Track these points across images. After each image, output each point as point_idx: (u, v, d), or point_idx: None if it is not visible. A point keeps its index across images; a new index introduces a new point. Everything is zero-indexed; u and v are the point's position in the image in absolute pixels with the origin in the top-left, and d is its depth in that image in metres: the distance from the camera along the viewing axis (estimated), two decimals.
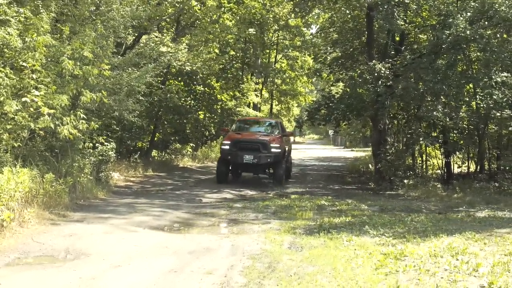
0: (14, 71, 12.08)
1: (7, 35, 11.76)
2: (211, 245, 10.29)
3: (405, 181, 21.09)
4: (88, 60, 13.92)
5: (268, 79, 38.67)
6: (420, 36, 24.05)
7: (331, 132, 70.33)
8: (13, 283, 7.23)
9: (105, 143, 17.67)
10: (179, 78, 30.00)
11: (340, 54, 29.19)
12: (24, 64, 12.05)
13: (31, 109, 11.80)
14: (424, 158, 25.68)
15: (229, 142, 22.83)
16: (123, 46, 21.73)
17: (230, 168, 23.55)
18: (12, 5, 12.37)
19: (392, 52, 23.12)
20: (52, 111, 12.22)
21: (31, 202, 11.46)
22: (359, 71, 23.91)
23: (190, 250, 9.82)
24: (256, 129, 26.29)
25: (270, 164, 22.79)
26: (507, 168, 21.51)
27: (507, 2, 19.45)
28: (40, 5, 13.12)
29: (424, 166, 25.50)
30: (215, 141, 35.42)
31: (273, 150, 22.35)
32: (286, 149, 24.81)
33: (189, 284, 7.68)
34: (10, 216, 9.83)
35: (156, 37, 24.36)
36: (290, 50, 37.66)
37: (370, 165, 28.76)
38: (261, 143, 22.64)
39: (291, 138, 38.87)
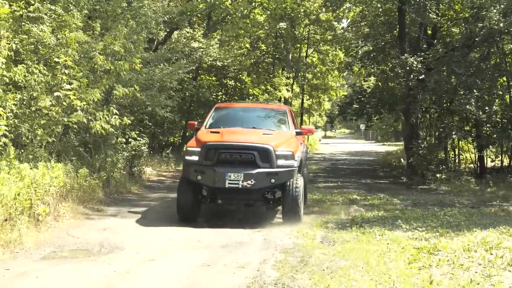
0: (48, 67, 12.28)
1: (41, 32, 11.87)
2: (243, 239, 10.34)
3: (438, 175, 21.00)
4: (120, 56, 14.09)
5: (299, 74, 38.26)
6: (452, 29, 23.76)
7: (362, 126, 70.02)
8: (49, 276, 7.33)
9: (138, 138, 17.78)
10: (211, 73, 29.86)
11: (371, 48, 29.06)
12: (57, 60, 12.23)
13: (64, 103, 11.96)
14: (456, 152, 25.51)
15: (198, 149, 12.61)
16: (155, 42, 21.94)
17: (204, 194, 13.02)
18: (45, 2, 12.43)
19: (424, 46, 22.92)
20: (84, 104, 12.30)
21: (66, 197, 11.67)
22: (390, 65, 23.79)
23: (223, 244, 9.86)
24: (249, 122, 14.66)
25: (274, 186, 12.67)
26: None
27: None
28: (72, 3, 13.16)
29: (456, 160, 25.32)
30: None
31: (281, 162, 12.35)
32: (303, 157, 14.37)
33: (222, 277, 7.65)
34: (45, 211, 9.97)
35: (188, 32, 24.51)
36: (321, 45, 37.29)
37: (402, 160, 28.58)
38: (259, 150, 12.41)
39: (315, 137, 34.82)
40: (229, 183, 11.81)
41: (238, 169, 11.99)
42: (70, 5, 13.30)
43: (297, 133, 14.00)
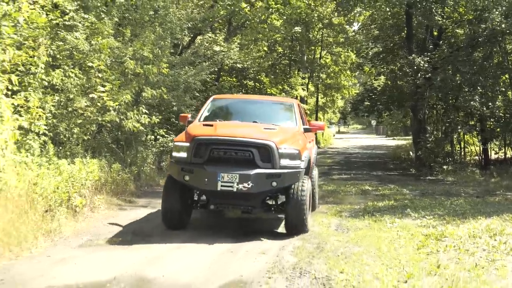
0: (82, 71, 12.55)
1: (76, 39, 11.99)
2: (263, 226, 10.55)
3: (444, 167, 21.05)
4: (148, 60, 14.28)
5: (314, 74, 38.50)
6: (457, 30, 23.72)
7: (373, 122, 69.94)
8: (86, 262, 7.41)
9: (165, 136, 17.93)
10: (232, 75, 29.92)
11: (381, 49, 29.08)
12: (91, 64, 12.55)
13: (98, 104, 12.21)
14: (462, 145, 25.58)
15: (186, 144, 10.03)
16: (180, 46, 21.98)
17: (194, 198, 10.75)
18: (79, 12, 12.56)
19: (431, 46, 22.92)
20: (116, 104, 12.49)
21: (101, 190, 11.81)
22: (399, 65, 23.77)
23: (245, 232, 9.91)
24: (250, 116, 11.77)
25: (277, 191, 10.16)
26: None
27: None
28: (104, 11, 13.30)
29: (462, 153, 25.33)
30: None
31: (285, 161, 9.77)
32: (311, 157, 11.64)
33: (244, 263, 7.70)
34: (82, 202, 10.22)
35: (210, 37, 24.57)
36: (334, 47, 37.33)
37: (410, 153, 28.52)
38: (258, 146, 9.81)
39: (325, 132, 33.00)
40: (221, 186, 9.16)
41: (233, 169, 9.26)
42: (102, 13, 13.43)
43: (305, 130, 11.06)
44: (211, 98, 12.00)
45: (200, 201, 10.44)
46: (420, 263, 7.48)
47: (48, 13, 11.34)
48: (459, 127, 22.65)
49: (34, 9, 9.93)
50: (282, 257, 7.93)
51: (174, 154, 9.67)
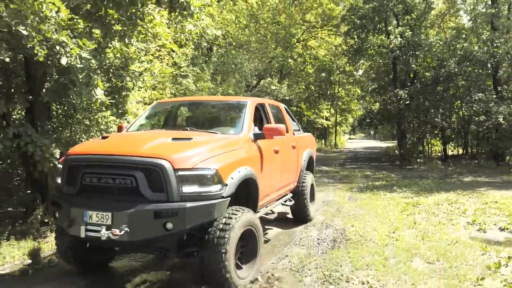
0: None
1: (187, 83, 12.29)
2: None
3: (418, 160, 21.03)
4: (230, 94, 14.44)
5: (334, 102, 38.69)
6: (426, 73, 23.66)
7: (372, 131, 68.61)
8: None
9: None
10: (283, 104, 30.02)
11: (376, 86, 28.80)
12: None
13: None
14: (429, 146, 25.95)
15: (61, 165, 4.37)
16: (250, 87, 22.22)
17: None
18: (189, 66, 12.89)
19: (409, 84, 23.16)
20: None
21: None
22: (388, 96, 23.48)
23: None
24: (188, 122, 5.86)
25: (182, 235, 3.97)
26: (482, 151, 22.34)
27: (481, 50, 20.61)
28: (204, 65, 13.58)
29: (429, 151, 25.60)
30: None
31: (189, 188, 3.75)
32: (301, 163, 7.00)
33: (291, 218, 7.63)
34: None
35: (269, 80, 24.72)
36: (346, 85, 37.30)
37: (396, 151, 28.08)
38: (144, 167, 3.76)
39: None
40: (87, 231, 3.80)
41: (107, 203, 3.89)
42: (204, 66, 13.68)
43: (257, 137, 5.25)
44: (154, 103, 6.50)
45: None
46: (403, 221, 7.77)
47: (170, 67, 11.66)
48: (427, 134, 23.53)
49: (162, 65, 10.23)
50: (315, 216, 8.04)
51: (57, 179, 4.51)
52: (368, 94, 32.25)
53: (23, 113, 7.08)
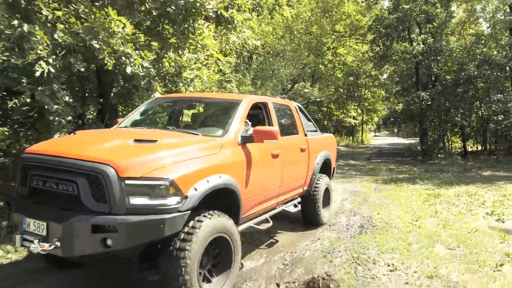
0: None
1: (231, 87, 12.44)
2: (332, 187, 10.31)
3: (439, 155, 20.14)
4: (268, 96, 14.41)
5: (361, 103, 37.87)
6: (446, 76, 22.44)
7: (395, 129, 66.77)
8: None
9: None
10: (314, 105, 29.85)
11: (400, 88, 27.88)
12: None
13: None
14: (450, 143, 24.40)
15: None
16: (285, 90, 22.14)
17: None
18: (232, 73, 13.03)
19: (430, 86, 21.97)
20: None
21: None
22: (411, 97, 22.65)
23: None
24: (176, 121, 4.84)
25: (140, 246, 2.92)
26: (500, 148, 21.59)
27: (499, 54, 19.86)
28: (245, 72, 13.70)
29: (450, 147, 24.17)
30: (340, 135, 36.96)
31: (137, 200, 2.77)
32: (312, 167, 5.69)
33: None
34: None
35: (302, 84, 24.67)
36: (372, 88, 36.45)
37: (418, 147, 27.13)
38: (86, 173, 2.81)
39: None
40: (23, 240, 2.89)
41: (46, 212, 2.93)
42: (245, 72, 13.79)
43: (245, 140, 3.94)
44: (153, 98, 5.49)
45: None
46: (425, 210, 7.54)
47: (217, 73, 11.83)
48: (448, 132, 22.41)
49: (209, 72, 10.39)
50: (343, 204, 8.05)
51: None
52: (392, 95, 31.42)
53: (95, 114, 7.39)
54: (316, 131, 6.27)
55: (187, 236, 3.01)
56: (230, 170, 3.56)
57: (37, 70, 4.88)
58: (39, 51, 4.89)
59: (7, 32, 4.76)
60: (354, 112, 39.50)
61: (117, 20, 5.37)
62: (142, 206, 2.79)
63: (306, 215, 5.93)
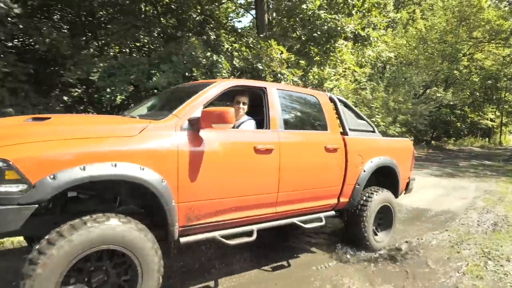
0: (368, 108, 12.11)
1: (365, 94, 11.78)
2: (464, 185, 8.79)
3: None
4: (400, 101, 13.00)
5: (500, 105, 30.84)
6: None
7: None
8: None
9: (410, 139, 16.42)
10: (447, 108, 25.55)
11: None
12: (372, 105, 11.87)
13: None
14: None
15: None
16: (417, 95, 19.65)
17: None
18: (367, 82, 12.29)
19: None
20: (383, 123, 11.70)
21: None
22: None
23: (453, 186, 8.38)
24: (165, 106, 2.76)
25: None
26: None
27: None
28: (379, 80, 12.67)
29: None
30: None
31: None
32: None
33: (452, 202, 6.57)
34: None
35: (435, 89, 21.65)
36: None
37: None
38: None
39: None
40: None
41: None
42: (379, 80, 12.84)
43: (192, 125, 2.31)
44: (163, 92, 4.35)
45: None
46: None
47: (353, 83, 11.37)
48: None
49: (347, 82, 10.06)
50: (475, 202, 6.67)
51: None
52: None
53: None
54: (372, 131, 3.98)
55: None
56: (149, 160, 2.13)
57: None
58: (223, 74, 5.62)
59: (203, 62, 5.60)
60: (492, 114, 32.01)
61: (277, 48, 5.81)
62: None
63: (349, 233, 3.78)
